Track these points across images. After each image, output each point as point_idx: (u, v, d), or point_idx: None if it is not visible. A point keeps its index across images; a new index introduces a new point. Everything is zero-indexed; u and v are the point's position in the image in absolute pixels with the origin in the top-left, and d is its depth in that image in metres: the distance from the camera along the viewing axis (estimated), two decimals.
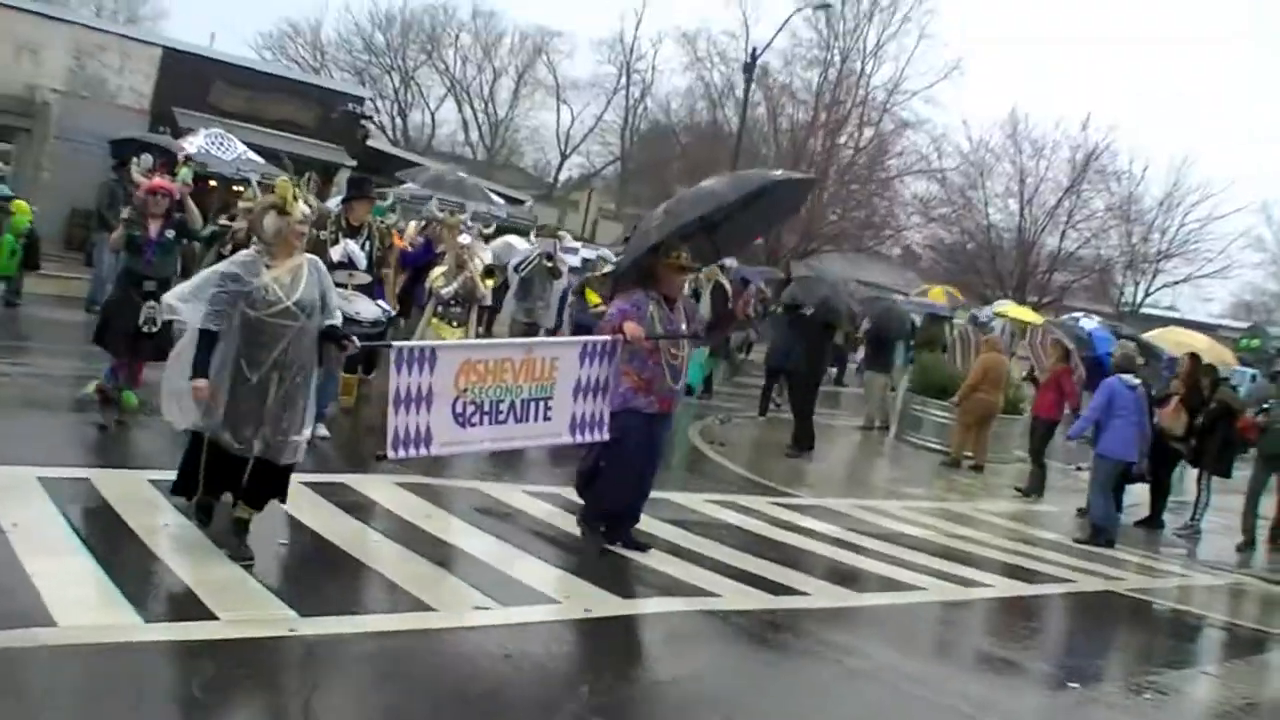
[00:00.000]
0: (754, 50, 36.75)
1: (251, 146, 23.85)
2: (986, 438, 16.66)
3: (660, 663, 6.58)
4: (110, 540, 6.71)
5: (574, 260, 18.32)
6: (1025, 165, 44.32)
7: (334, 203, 10.96)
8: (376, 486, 9.02)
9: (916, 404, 18.45)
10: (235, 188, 20.10)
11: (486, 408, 7.33)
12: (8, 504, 6.86)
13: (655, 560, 8.30)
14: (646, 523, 8.86)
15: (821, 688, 6.62)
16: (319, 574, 6.99)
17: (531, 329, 15.35)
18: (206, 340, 6.40)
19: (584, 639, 6.71)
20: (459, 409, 7.18)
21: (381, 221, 11.24)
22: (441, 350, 7.32)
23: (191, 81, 27.03)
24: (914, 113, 46.98)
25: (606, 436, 8.03)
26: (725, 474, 12.97)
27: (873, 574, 9.33)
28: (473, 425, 7.28)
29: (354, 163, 27.88)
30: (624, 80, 56.88)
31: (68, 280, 18.99)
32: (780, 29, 38.19)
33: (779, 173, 9.27)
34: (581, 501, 8.76)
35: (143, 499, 7.55)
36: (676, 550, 8.68)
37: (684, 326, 8.32)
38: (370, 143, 32.26)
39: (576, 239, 26.08)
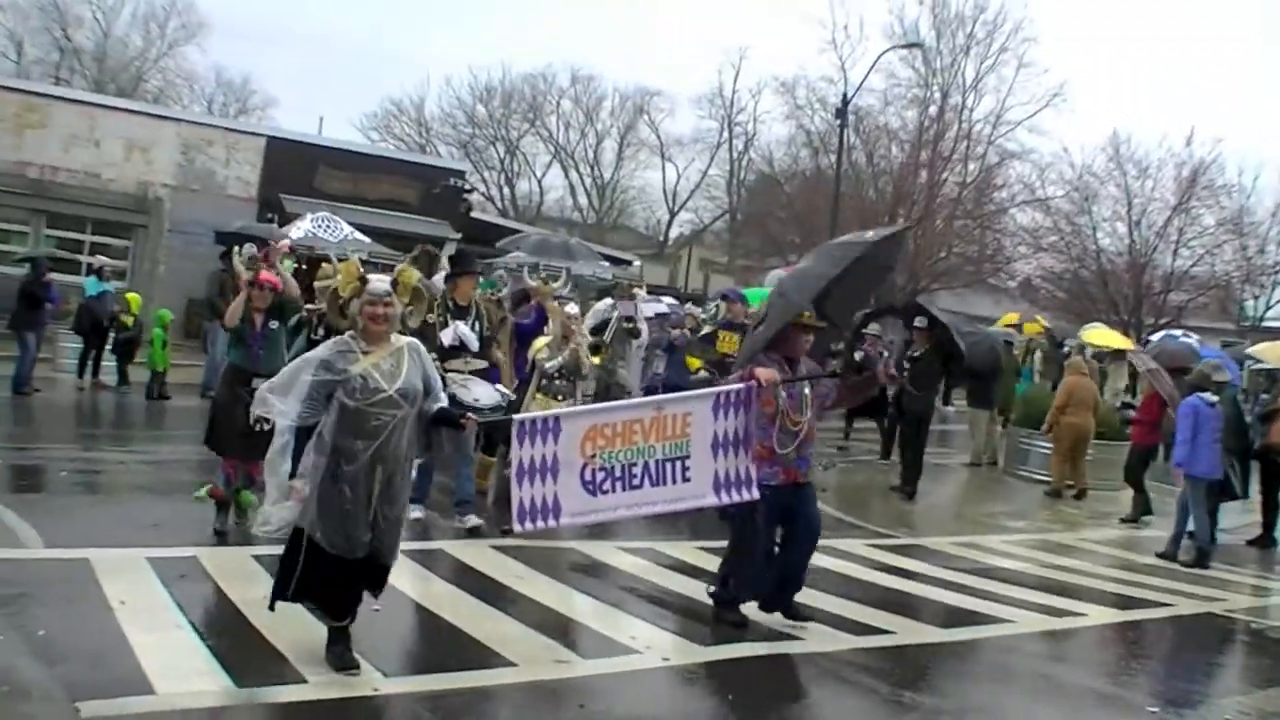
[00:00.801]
0: (844, 95, 36.85)
1: (357, 226, 24.66)
2: (1083, 463, 16.45)
3: (732, 708, 6.65)
4: (211, 613, 7.17)
5: (652, 311, 17.94)
6: (1131, 186, 43.59)
7: (439, 278, 10.71)
8: (473, 551, 9.32)
9: (1022, 436, 18.33)
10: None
11: (619, 473, 7.02)
12: (118, 583, 7.35)
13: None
14: None
15: None
16: (408, 636, 7.33)
17: (616, 389, 14.85)
18: (304, 435, 6.07)
19: (659, 688, 6.88)
20: (588, 476, 6.94)
21: (492, 295, 11.25)
22: (565, 418, 7.05)
23: (296, 167, 28.17)
24: (1019, 143, 46.61)
25: (756, 494, 7.48)
26: (823, 519, 12.91)
27: (962, 609, 9.33)
28: (605, 492, 7.00)
29: (458, 235, 28.58)
30: (726, 134, 57.64)
31: (186, 368, 19.82)
32: (869, 72, 38.43)
33: (871, 234, 8.63)
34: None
35: (245, 573, 7.97)
36: None
37: (808, 389, 7.93)
38: (476, 214, 33.02)
39: (680, 297, 26.36)
